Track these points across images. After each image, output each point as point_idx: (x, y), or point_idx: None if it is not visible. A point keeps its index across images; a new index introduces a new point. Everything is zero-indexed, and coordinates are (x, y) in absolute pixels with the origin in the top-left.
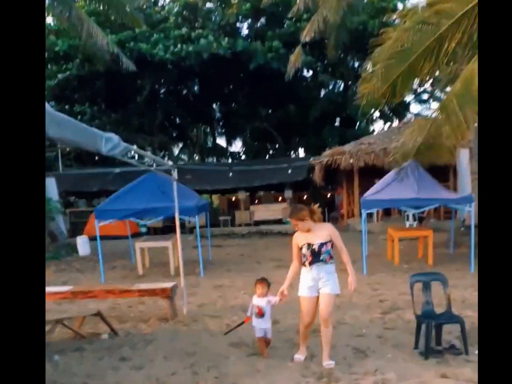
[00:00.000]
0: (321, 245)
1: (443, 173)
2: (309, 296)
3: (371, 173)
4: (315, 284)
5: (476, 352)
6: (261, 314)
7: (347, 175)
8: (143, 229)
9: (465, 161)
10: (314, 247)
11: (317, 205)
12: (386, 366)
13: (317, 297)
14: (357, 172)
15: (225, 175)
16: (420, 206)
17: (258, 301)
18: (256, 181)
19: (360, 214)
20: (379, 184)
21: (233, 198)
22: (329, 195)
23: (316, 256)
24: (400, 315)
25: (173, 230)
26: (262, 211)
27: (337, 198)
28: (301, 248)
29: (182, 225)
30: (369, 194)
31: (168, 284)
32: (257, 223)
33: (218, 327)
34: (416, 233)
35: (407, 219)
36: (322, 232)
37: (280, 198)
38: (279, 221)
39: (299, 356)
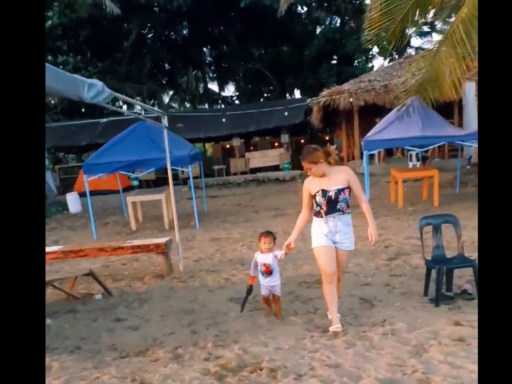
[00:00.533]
0: (338, 192)
1: (447, 110)
2: (328, 245)
3: (372, 112)
4: (331, 237)
5: None
6: (269, 272)
7: (347, 115)
8: (135, 183)
9: (471, 95)
10: (330, 194)
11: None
12: (395, 315)
13: (335, 249)
14: (357, 112)
15: (218, 121)
16: (425, 144)
17: (263, 258)
18: (251, 126)
19: (361, 156)
20: (381, 123)
21: (228, 146)
22: (327, 138)
23: (332, 205)
24: (407, 261)
25: (166, 182)
26: (258, 158)
27: (337, 141)
28: (313, 196)
29: (175, 176)
30: (371, 134)
31: (162, 239)
32: (253, 170)
33: (216, 283)
34: (421, 173)
35: (410, 159)
36: (339, 177)
37: (276, 144)
38: (276, 168)
39: (337, 326)
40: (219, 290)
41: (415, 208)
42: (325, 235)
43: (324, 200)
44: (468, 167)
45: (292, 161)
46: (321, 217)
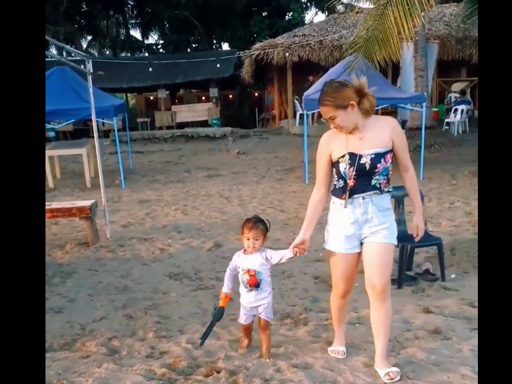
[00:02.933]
0: (377, 157)
1: (383, 72)
2: (347, 252)
3: (306, 69)
4: (356, 231)
5: (453, 276)
6: (255, 283)
7: (279, 71)
8: (51, 134)
9: (409, 56)
10: (363, 161)
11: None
12: (357, 298)
13: (359, 253)
14: (291, 68)
15: (143, 70)
16: None
17: (247, 261)
18: (178, 78)
19: (294, 115)
20: (322, 80)
21: (152, 98)
22: (257, 94)
23: (364, 180)
24: None
25: (85, 134)
26: (186, 112)
27: (268, 98)
28: (334, 164)
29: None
30: (312, 92)
31: (86, 202)
32: (180, 125)
33: (150, 254)
34: None
35: None
36: (378, 133)
37: (204, 98)
38: (204, 123)
39: (339, 349)
40: (154, 263)
41: None
42: (348, 236)
43: (353, 170)
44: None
45: (221, 117)
46: (344, 198)
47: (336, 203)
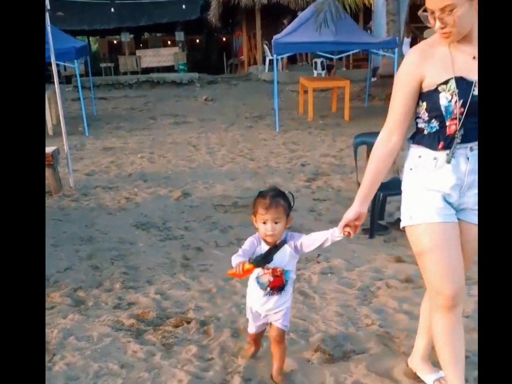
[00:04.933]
0: None
1: (352, 15)
2: (448, 221)
3: (276, 12)
4: (456, 200)
5: None
6: (280, 285)
7: (248, 14)
8: None
9: (381, 1)
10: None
11: None
12: (329, 249)
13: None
14: (259, 11)
15: (105, 12)
16: (339, 51)
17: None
18: (142, 20)
19: (263, 60)
20: (292, 24)
21: (115, 42)
22: (225, 39)
23: (474, 121)
24: (328, 183)
25: (46, 79)
26: (151, 57)
27: (236, 43)
28: (426, 96)
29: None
30: (282, 36)
31: (48, 149)
32: (145, 71)
33: (115, 203)
34: (332, 83)
35: (315, 68)
36: None
37: (169, 42)
38: (170, 69)
39: (436, 376)
40: (120, 213)
41: (325, 122)
42: (442, 207)
43: (461, 105)
44: (373, 79)
45: (187, 63)
46: (442, 149)
47: (425, 157)
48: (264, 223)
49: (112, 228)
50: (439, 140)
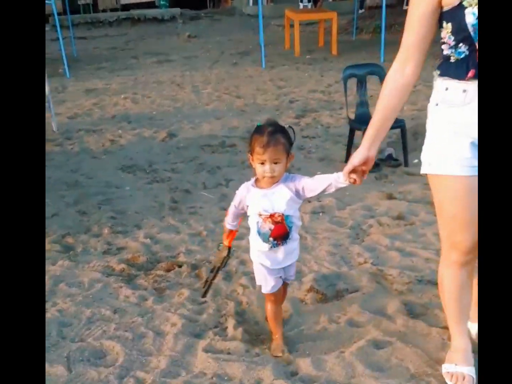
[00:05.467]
0: None
1: None
2: (470, 174)
3: None
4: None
5: (416, 161)
6: (283, 233)
7: None
8: None
9: None
10: None
11: None
12: None
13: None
14: None
15: None
16: None
17: (267, 198)
18: None
19: None
20: None
21: None
22: None
23: None
24: (317, 119)
25: None
26: None
27: None
28: (448, 14)
29: None
30: None
31: None
32: (126, 7)
33: (100, 146)
34: (319, 15)
35: (301, 0)
36: None
37: None
38: (151, 5)
39: (464, 371)
40: (105, 156)
41: (313, 57)
42: (471, 147)
43: None
44: (361, 10)
45: None
46: (472, 77)
47: (452, 90)
48: (262, 163)
49: (97, 172)
50: (468, 67)
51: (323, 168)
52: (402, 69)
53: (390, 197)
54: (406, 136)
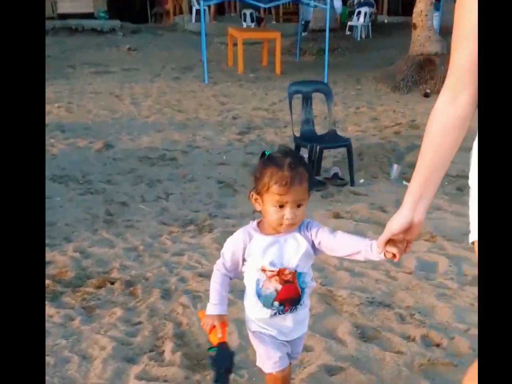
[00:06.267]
0: None
1: None
2: None
3: None
4: None
5: (361, 181)
6: (295, 296)
7: None
8: None
9: None
10: None
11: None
12: None
13: None
14: None
15: None
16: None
17: (276, 249)
18: None
19: (190, 10)
20: None
21: None
22: None
23: None
24: (261, 136)
25: None
26: (68, 2)
27: None
28: None
29: None
30: None
31: None
32: (63, 16)
33: None
34: (263, 34)
35: (244, 20)
36: None
37: None
38: (91, 16)
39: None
40: None
41: (256, 75)
42: None
43: None
44: (304, 33)
45: (108, 10)
46: None
47: None
48: (281, 206)
49: None
50: None
51: None
52: (454, 98)
53: (337, 216)
54: (352, 156)
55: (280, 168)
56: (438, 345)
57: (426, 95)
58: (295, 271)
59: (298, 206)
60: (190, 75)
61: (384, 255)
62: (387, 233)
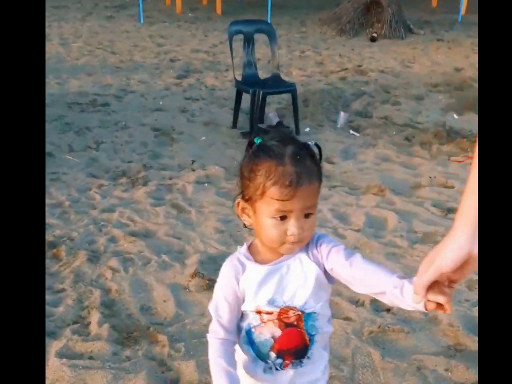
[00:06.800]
0: None
1: None
2: None
3: None
4: None
5: (307, 129)
6: (297, 344)
7: None
8: None
9: None
10: None
11: None
12: (204, 155)
13: None
14: None
15: None
16: None
17: (277, 281)
18: None
19: None
20: None
21: None
22: None
23: None
24: (201, 80)
25: None
26: None
27: None
28: None
29: None
30: None
31: None
32: None
33: None
34: None
35: None
36: None
37: None
38: None
39: None
40: None
41: (196, 15)
42: None
43: None
44: None
45: None
46: None
47: None
48: (283, 218)
49: None
50: None
51: (208, 133)
52: None
53: None
54: (297, 102)
55: (280, 161)
56: (388, 310)
57: (373, 39)
58: (302, 311)
59: (307, 216)
60: (125, 14)
61: (425, 305)
62: (433, 273)
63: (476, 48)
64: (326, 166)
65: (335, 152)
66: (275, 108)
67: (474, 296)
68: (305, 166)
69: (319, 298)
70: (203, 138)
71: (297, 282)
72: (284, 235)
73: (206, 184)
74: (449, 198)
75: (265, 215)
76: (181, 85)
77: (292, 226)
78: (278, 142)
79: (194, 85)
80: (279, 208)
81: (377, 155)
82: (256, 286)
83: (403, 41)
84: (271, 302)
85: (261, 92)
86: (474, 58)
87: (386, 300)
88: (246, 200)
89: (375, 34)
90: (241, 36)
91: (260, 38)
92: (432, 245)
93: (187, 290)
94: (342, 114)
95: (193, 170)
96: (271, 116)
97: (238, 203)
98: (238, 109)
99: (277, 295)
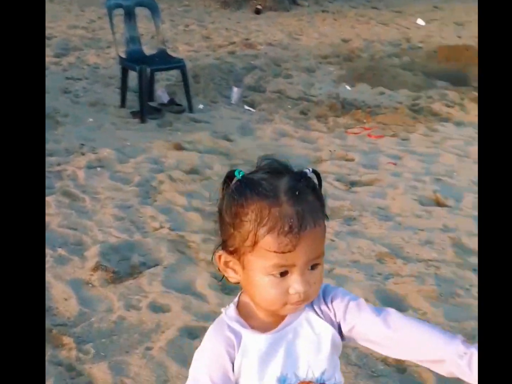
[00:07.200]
0: None
1: None
2: None
3: None
4: None
5: (201, 106)
6: None
7: None
8: None
9: None
10: None
11: None
12: (93, 137)
13: None
14: None
15: None
16: None
17: (284, 354)
18: None
19: None
20: None
21: None
22: None
23: None
24: (81, 58)
25: None
26: None
27: None
28: None
29: None
30: None
31: None
32: None
33: None
34: None
35: None
36: None
37: None
38: None
39: None
40: None
41: None
42: None
43: None
44: None
45: None
46: None
47: None
48: (283, 274)
49: None
50: None
51: (95, 114)
52: None
53: (179, 147)
54: (187, 79)
55: (274, 200)
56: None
57: (258, 12)
58: None
59: (313, 266)
60: None
61: None
62: None
63: (361, 18)
64: (225, 144)
65: (232, 129)
66: (164, 85)
67: (384, 269)
68: (307, 202)
69: (335, 363)
70: (91, 119)
71: (309, 349)
72: (285, 294)
73: (98, 169)
74: (351, 171)
75: (259, 271)
76: (61, 64)
77: (295, 283)
78: (267, 174)
79: (75, 63)
80: (278, 263)
81: (274, 130)
82: (259, 362)
83: (288, 13)
84: (281, 380)
85: (148, 69)
86: (360, 29)
87: (442, 370)
88: (231, 253)
89: (259, 6)
90: (121, 11)
91: (142, 12)
92: (340, 220)
93: (90, 285)
94: (235, 89)
95: (83, 154)
96: (160, 93)
97: (220, 256)
98: (126, 88)
99: (287, 371)
